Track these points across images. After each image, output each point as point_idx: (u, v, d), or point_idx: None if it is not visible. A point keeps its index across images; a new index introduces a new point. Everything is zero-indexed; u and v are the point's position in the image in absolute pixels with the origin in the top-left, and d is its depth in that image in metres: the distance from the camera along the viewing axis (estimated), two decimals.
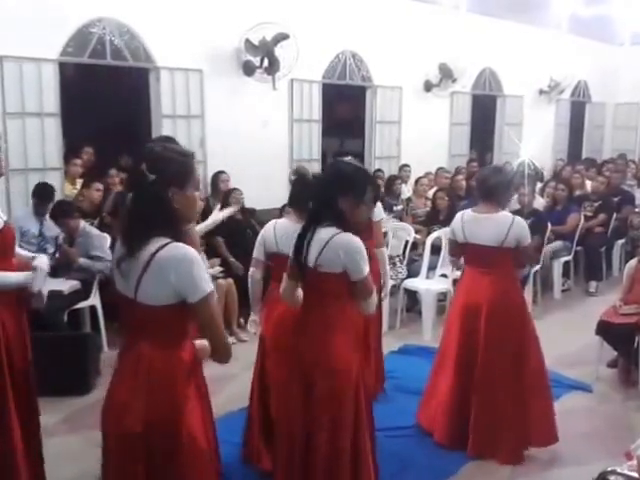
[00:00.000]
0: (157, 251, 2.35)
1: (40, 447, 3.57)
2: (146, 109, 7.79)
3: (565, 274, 8.48)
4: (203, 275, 2.39)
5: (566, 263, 8.41)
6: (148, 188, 2.38)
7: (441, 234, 7.06)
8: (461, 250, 4.51)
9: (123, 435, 2.42)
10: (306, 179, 3.80)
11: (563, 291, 8.30)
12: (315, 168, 9.15)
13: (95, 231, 6.12)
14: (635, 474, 2.77)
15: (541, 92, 13.11)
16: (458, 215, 4.46)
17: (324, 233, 3.13)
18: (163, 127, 7.57)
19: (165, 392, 2.42)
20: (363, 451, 3.29)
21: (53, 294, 5.39)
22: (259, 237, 4.07)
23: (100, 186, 7.08)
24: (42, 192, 6.34)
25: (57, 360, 5.02)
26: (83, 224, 6.10)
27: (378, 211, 4.97)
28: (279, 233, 3.90)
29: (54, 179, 6.91)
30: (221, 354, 2.50)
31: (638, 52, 13.75)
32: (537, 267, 7.70)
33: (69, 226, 5.98)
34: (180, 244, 2.38)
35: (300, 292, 3.33)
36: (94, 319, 6.07)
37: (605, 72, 14.10)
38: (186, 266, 2.35)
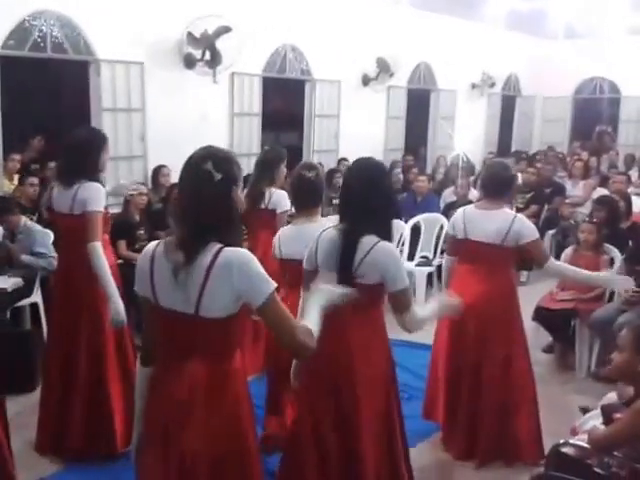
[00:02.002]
0: (216, 256, 2.27)
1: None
2: (86, 102, 7.67)
3: None
4: (264, 274, 2.30)
5: None
6: (216, 186, 2.29)
7: (420, 220, 7.43)
8: (458, 247, 4.35)
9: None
10: (321, 175, 3.77)
11: None
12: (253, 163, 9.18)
13: (37, 227, 5.99)
14: (584, 444, 2.99)
15: (473, 86, 13.35)
16: (460, 210, 4.32)
17: (366, 242, 2.98)
18: (103, 120, 7.48)
19: (229, 410, 2.36)
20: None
21: None
22: None
23: (35, 181, 6.86)
24: None
25: (1, 358, 4.94)
26: (24, 220, 5.98)
27: (284, 202, 5.08)
28: (282, 240, 3.82)
29: None
30: (299, 352, 2.44)
31: (569, 45, 14.04)
32: None
33: (10, 222, 5.85)
34: (233, 248, 2.30)
35: None
36: (34, 316, 5.96)
37: (536, 65, 14.37)
38: (248, 268, 2.27)
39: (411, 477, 3.34)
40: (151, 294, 2.36)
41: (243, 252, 2.30)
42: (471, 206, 4.35)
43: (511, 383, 4.22)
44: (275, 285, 2.31)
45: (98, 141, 4.02)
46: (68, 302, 4.10)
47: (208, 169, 2.27)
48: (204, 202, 2.29)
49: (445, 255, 4.73)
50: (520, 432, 4.21)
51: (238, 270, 2.24)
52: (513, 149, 14.81)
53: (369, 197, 3.00)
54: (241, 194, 2.49)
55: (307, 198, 3.83)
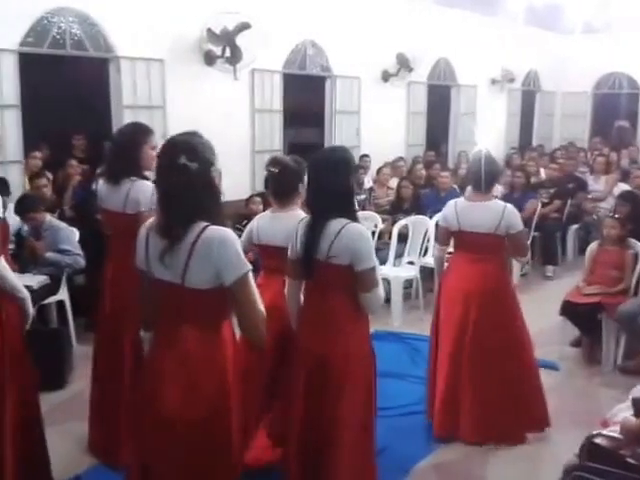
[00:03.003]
0: (200, 234, 2.44)
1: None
2: (107, 100, 7.69)
3: None
4: (241, 255, 2.46)
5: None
6: (195, 176, 2.46)
7: (407, 222, 7.17)
8: (450, 238, 4.60)
9: (186, 420, 2.48)
10: (289, 169, 3.80)
11: (522, 275, 8.49)
12: None
13: (62, 224, 6.02)
14: (617, 435, 3.00)
15: (493, 82, 13.30)
16: (451, 203, 4.53)
17: (334, 224, 3.11)
18: (124, 118, 7.49)
19: (210, 376, 2.50)
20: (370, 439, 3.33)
21: None
22: (246, 229, 4.06)
23: (42, 182, 6.64)
24: None
25: (31, 356, 4.96)
26: (49, 218, 6.01)
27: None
28: (260, 224, 3.89)
29: (14, 172, 6.81)
30: (254, 339, 2.56)
31: (588, 40, 13.99)
32: None
33: (35, 220, 5.87)
34: (217, 226, 2.47)
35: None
36: (61, 314, 5.99)
37: (555, 61, 14.37)
38: (228, 246, 2.44)
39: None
40: (146, 266, 2.59)
41: (225, 231, 2.47)
42: (461, 199, 4.58)
43: (512, 365, 4.40)
44: (249, 267, 2.47)
45: (139, 136, 3.96)
46: (115, 302, 4.06)
47: (183, 162, 2.43)
48: (186, 192, 2.45)
49: (436, 245, 4.94)
50: (531, 402, 4.46)
51: (217, 247, 2.42)
52: (534, 145, 14.72)
53: (330, 182, 3.14)
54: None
55: (275, 190, 3.86)
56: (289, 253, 3.32)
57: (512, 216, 4.32)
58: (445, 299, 4.54)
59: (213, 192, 2.54)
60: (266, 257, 3.82)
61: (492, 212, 4.31)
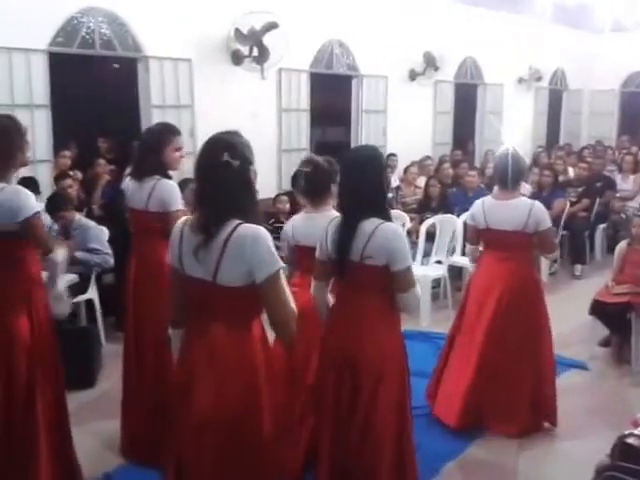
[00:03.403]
0: (233, 231, 2.45)
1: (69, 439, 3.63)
2: (135, 99, 7.75)
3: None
4: (274, 253, 2.47)
5: None
6: (236, 173, 2.49)
7: (435, 221, 7.15)
8: (479, 236, 4.63)
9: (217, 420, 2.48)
10: (321, 168, 3.79)
11: (550, 274, 8.43)
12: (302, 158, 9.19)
13: (92, 223, 6.06)
14: None
15: (520, 80, 13.23)
16: (478, 201, 4.57)
17: (368, 224, 3.07)
18: (153, 117, 7.55)
19: (241, 375, 2.51)
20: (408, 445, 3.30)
21: None
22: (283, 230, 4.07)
23: (67, 182, 6.67)
24: (26, 186, 6.23)
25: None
26: (78, 217, 6.05)
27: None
28: (295, 225, 3.88)
29: (44, 171, 6.87)
30: (285, 336, 2.58)
31: (616, 39, 13.82)
32: None
33: (64, 219, 5.91)
34: (250, 224, 2.47)
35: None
36: (90, 313, 6.04)
37: (582, 59, 14.24)
38: (260, 243, 2.44)
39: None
40: (178, 263, 2.60)
41: (258, 228, 2.47)
42: (489, 197, 4.57)
43: (538, 361, 4.47)
44: (281, 265, 2.48)
45: (163, 136, 3.99)
46: (137, 300, 4.10)
47: (226, 159, 2.46)
48: (227, 189, 2.48)
49: (467, 245, 4.98)
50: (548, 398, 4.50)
51: (250, 245, 2.42)
52: (561, 143, 14.62)
53: (361, 182, 3.10)
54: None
55: (307, 190, 3.84)
56: (317, 253, 3.29)
57: (540, 213, 4.33)
58: (473, 296, 4.56)
59: (251, 190, 2.57)
60: (302, 257, 3.78)
61: (520, 210, 4.33)
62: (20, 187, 3.38)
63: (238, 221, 2.46)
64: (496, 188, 4.63)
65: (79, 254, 5.80)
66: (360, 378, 3.11)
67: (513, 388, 4.42)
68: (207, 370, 2.50)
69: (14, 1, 6.23)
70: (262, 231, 2.47)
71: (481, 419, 4.47)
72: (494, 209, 4.43)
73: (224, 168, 2.46)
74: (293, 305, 2.53)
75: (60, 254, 3.60)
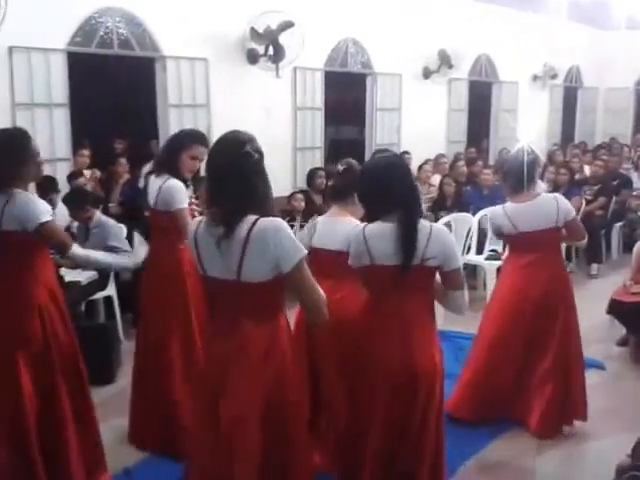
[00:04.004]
0: (253, 226, 2.45)
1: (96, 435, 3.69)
2: (153, 99, 7.80)
3: (567, 257, 8.57)
4: (295, 241, 2.50)
5: (568, 246, 8.50)
6: (256, 165, 2.54)
7: (450, 220, 7.15)
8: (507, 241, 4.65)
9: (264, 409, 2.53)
10: (354, 170, 3.77)
11: None
12: (317, 157, 9.24)
13: (111, 221, 6.02)
14: None
15: (535, 78, 13.20)
16: (498, 211, 4.43)
17: (422, 227, 3.00)
18: (170, 117, 7.60)
19: (275, 364, 2.55)
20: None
21: (71, 285, 5.48)
22: (303, 231, 4.06)
23: (80, 181, 6.79)
24: (45, 185, 6.27)
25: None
26: (98, 214, 6.06)
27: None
28: (317, 228, 3.82)
29: (63, 170, 6.94)
30: (317, 319, 2.62)
31: (632, 36, 13.80)
32: None
33: (86, 215, 5.90)
34: (268, 217, 2.48)
35: None
36: (108, 310, 6.09)
37: (598, 57, 14.20)
38: (282, 235, 2.46)
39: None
40: (199, 266, 2.61)
41: (276, 220, 2.49)
42: (508, 204, 4.42)
43: (569, 351, 4.43)
44: (305, 252, 2.51)
45: (182, 141, 4.05)
46: (153, 299, 4.15)
47: (248, 151, 2.51)
48: (246, 180, 2.50)
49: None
50: (576, 394, 4.45)
51: (273, 236, 2.44)
52: (576, 141, 14.57)
53: (404, 188, 3.07)
54: None
55: (334, 189, 3.83)
56: (353, 262, 3.17)
57: (564, 204, 4.33)
58: (504, 297, 4.52)
59: (268, 184, 2.58)
60: (321, 261, 3.65)
61: (547, 206, 4.30)
62: (31, 194, 3.39)
63: (255, 216, 2.47)
64: (510, 193, 4.49)
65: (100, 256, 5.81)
66: (415, 393, 3.02)
67: (540, 388, 4.41)
68: (237, 367, 2.52)
69: (33, 2, 6.28)
70: (280, 222, 2.50)
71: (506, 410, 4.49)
72: (520, 212, 4.32)
73: (246, 159, 2.50)
74: (320, 289, 2.57)
75: (79, 248, 3.65)
